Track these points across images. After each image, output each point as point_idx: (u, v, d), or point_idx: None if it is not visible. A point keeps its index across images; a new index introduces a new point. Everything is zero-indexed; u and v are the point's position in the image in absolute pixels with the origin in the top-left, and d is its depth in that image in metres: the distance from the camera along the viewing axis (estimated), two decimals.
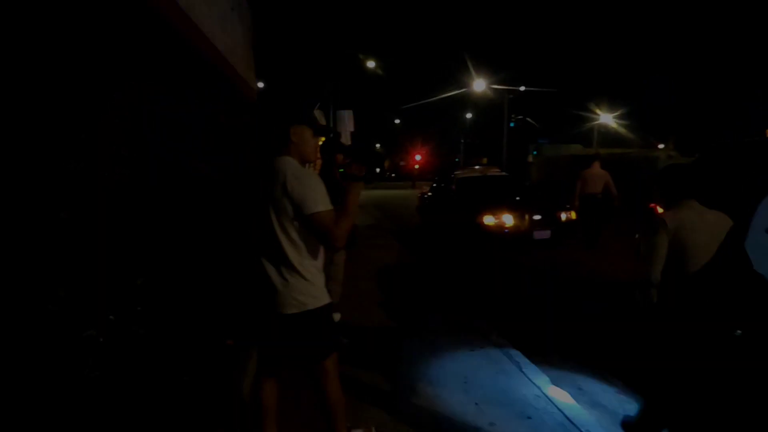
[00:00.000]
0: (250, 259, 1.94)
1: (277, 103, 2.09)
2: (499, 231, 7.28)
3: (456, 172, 9.73)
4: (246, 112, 9.57)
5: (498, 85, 30.26)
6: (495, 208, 7.53)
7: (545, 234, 7.28)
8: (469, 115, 46.86)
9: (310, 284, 1.89)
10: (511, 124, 33.36)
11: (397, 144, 55.61)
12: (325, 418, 2.03)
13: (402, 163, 52.50)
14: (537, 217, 7.45)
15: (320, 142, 2.83)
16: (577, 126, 42.42)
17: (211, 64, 6.01)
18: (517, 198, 8.27)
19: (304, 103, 2.05)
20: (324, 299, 1.94)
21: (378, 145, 70.03)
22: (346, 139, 15.50)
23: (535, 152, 35.70)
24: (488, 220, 7.34)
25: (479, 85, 29.36)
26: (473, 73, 28.73)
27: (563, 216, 7.62)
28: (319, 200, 1.81)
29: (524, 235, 7.27)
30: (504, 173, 9.53)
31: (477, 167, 10.00)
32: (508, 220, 7.27)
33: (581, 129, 41.87)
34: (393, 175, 49.22)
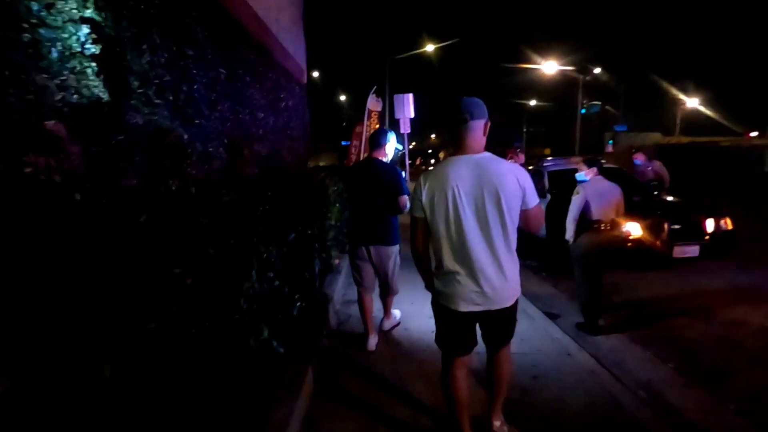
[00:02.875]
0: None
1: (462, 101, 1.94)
2: (620, 246, 5.34)
3: (544, 164, 7.77)
4: (291, 93, 8.25)
5: (568, 67, 27.28)
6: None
7: (692, 251, 5.24)
8: (533, 102, 43.45)
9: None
10: (582, 111, 30.03)
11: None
12: (497, 390, 2.21)
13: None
14: (676, 226, 5.41)
15: None
16: (657, 112, 38.15)
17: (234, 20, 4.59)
18: (643, 199, 6.23)
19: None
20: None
21: (433, 136, 67.72)
22: (404, 126, 13.84)
23: (611, 141, 32.22)
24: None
25: (550, 67, 26.46)
26: (536, 55, 25.96)
27: (712, 225, 5.51)
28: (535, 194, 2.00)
29: (660, 253, 5.28)
30: (612, 165, 7.46)
31: (573, 158, 8.00)
32: (635, 230, 5.31)
33: (661, 115, 37.63)
34: None
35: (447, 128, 2.00)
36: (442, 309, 2.03)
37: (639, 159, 7.59)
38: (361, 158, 14.38)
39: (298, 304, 2.58)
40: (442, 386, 2.13)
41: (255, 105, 5.38)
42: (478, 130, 1.94)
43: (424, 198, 1.95)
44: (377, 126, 15.96)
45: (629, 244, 5.34)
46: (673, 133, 35.79)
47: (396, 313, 3.80)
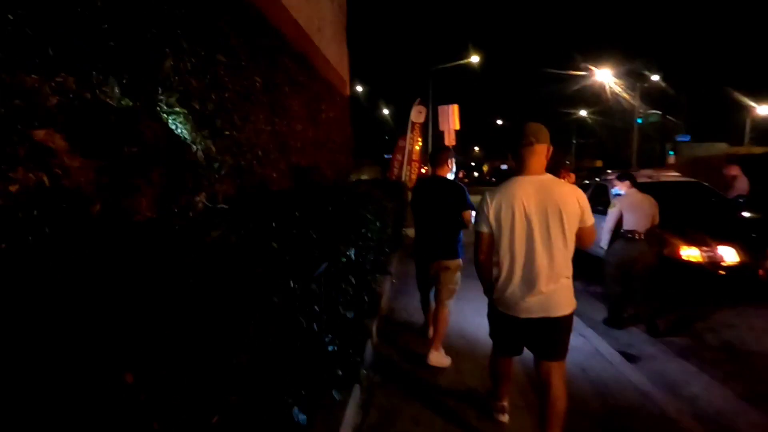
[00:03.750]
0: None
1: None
2: (711, 272, 4.53)
3: (609, 177, 6.97)
4: (332, 104, 7.97)
5: (622, 75, 25.81)
6: (698, 234, 4.77)
7: None
8: (583, 112, 41.56)
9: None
10: (639, 120, 28.26)
11: (497, 146, 51.76)
12: (549, 418, 2.09)
13: (503, 167, 48.48)
14: None
15: None
16: (722, 121, 35.32)
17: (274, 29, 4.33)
18: (733, 218, 5.36)
19: None
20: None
21: (477, 149, 66.44)
22: (449, 138, 13.31)
23: (671, 152, 30.05)
24: (689, 253, 4.62)
25: (604, 75, 25.10)
26: (589, 62, 24.64)
27: None
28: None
29: (760, 282, 4.42)
30: (692, 179, 6.54)
31: (647, 171, 7.12)
32: (729, 255, 4.48)
33: (727, 124, 34.81)
34: (494, 179, 45.51)
35: (513, 150, 2.17)
36: (499, 315, 2.20)
37: (735, 171, 6.60)
38: (404, 172, 13.99)
39: (330, 347, 2.13)
40: (489, 367, 2.44)
41: (293, 116, 5.09)
42: (542, 153, 2.13)
43: (490, 214, 2.13)
44: (420, 139, 15.57)
45: (721, 272, 4.51)
46: (742, 143, 32.83)
47: (446, 358, 3.30)
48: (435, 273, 3.32)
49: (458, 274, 3.35)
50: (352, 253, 2.58)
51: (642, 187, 6.31)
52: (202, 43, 2.95)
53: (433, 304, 3.41)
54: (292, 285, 1.70)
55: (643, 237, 4.09)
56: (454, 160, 3.51)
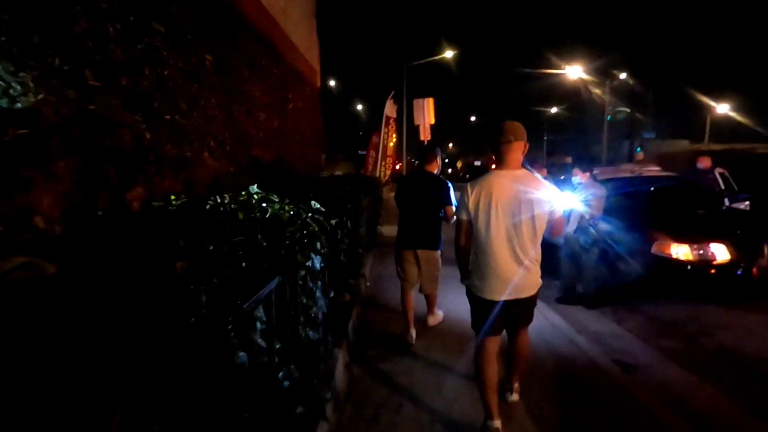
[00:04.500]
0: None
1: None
2: (702, 272, 4.31)
3: (595, 173, 6.74)
4: (301, 94, 7.42)
5: (592, 72, 26.16)
6: (688, 230, 4.55)
7: None
8: (554, 110, 42.19)
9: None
10: (608, 118, 28.78)
11: (471, 142, 52.05)
12: (515, 364, 2.61)
13: (477, 164, 48.69)
14: None
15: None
16: (684, 118, 36.59)
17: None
18: (721, 214, 5.18)
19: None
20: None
21: (450, 145, 66.64)
22: (424, 133, 12.95)
23: (638, 149, 30.80)
24: (679, 251, 4.38)
25: (575, 72, 25.32)
26: (558, 60, 24.84)
27: None
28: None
29: (755, 281, 4.22)
30: (672, 173, 6.38)
31: (628, 165, 6.94)
32: (721, 252, 4.26)
33: (688, 122, 36.11)
34: (467, 176, 45.65)
35: (492, 146, 2.33)
36: (476, 299, 2.36)
37: (702, 163, 6.52)
38: (378, 168, 13.54)
39: (286, 383, 1.68)
40: (474, 362, 2.40)
41: (254, 103, 4.56)
42: (519, 150, 2.29)
43: (470, 203, 2.28)
44: (395, 135, 15.15)
45: (713, 271, 4.29)
46: (702, 140, 34.00)
47: (440, 313, 3.97)
48: (417, 262, 3.57)
49: (439, 262, 3.64)
50: (317, 262, 2.13)
51: (626, 181, 6.13)
52: (131, 5, 2.41)
53: (412, 294, 3.66)
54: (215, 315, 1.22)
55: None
56: (440, 157, 3.71)
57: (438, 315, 3.90)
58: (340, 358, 2.80)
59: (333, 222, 2.72)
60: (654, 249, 4.50)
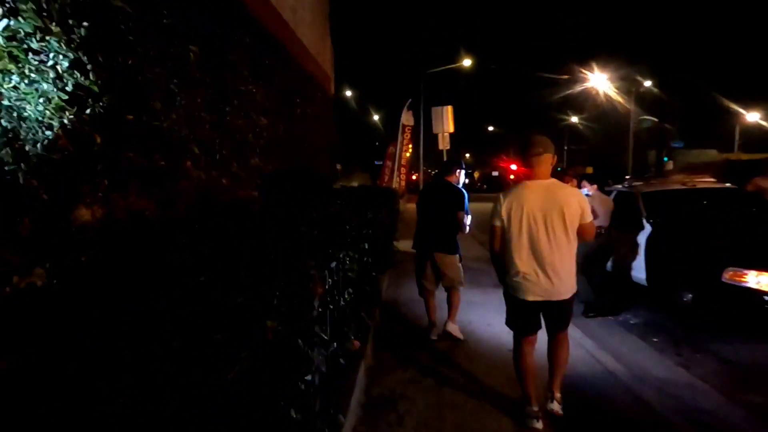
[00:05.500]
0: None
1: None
2: (758, 305, 3.56)
3: (633, 183, 5.98)
4: (312, 100, 6.89)
5: (617, 81, 25.27)
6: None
7: None
8: (574, 119, 41.20)
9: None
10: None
11: (489, 153, 51.18)
12: (555, 370, 2.62)
13: (495, 174, 47.70)
14: None
15: None
16: (712, 127, 35.29)
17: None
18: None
19: None
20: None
21: (467, 155, 65.80)
22: (443, 142, 12.31)
23: (665, 158, 29.60)
24: (761, 280, 3.62)
25: (598, 80, 24.45)
26: (582, 69, 24.01)
27: None
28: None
29: None
30: (731, 185, 5.57)
31: (677, 176, 6.19)
32: None
33: (716, 131, 34.83)
34: (485, 186, 44.61)
35: (524, 158, 2.52)
36: (512, 299, 2.54)
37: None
38: (394, 179, 12.94)
39: None
40: (514, 360, 2.61)
41: (255, 107, 4.01)
42: (548, 162, 2.48)
43: (503, 211, 2.48)
44: (410, 145, 14.56)
45: None
46: (732, 150, 32.52)
47: (461, 336, 3.81)
48: (436, 265, 3.68)
49: (459, 264, 3.72)
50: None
51: (681, 195, 5.38)
52: None
53: (435, 302, 3.81)
54: None
55: (603, 232, 4.60)
56: (463, 172, 3.87)
57: (458, 329, 3.81)
58: None
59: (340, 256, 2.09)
60: (726, 277, 3.76)
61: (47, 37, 1.68)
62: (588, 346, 3.69)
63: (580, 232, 2.44)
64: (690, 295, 4.32)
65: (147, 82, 2.35)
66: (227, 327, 1.01)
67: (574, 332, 3.53)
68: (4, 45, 1.52)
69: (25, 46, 1.61)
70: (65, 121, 1.76)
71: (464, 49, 20.87)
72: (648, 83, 28.70)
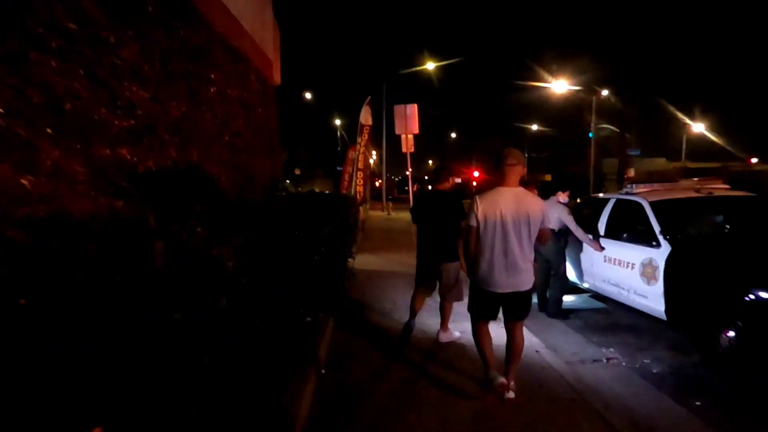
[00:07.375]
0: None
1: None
2: None
3: (637, 189, 4.93)
4: (244, 86, 5.42)
5: (576, 88, 25.19)
6: None
7: None
8: (534, 127, 41.57)
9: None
10: (590, 135, 28.08)
11: (451, 159, 50.89)
12: (512, 358, 2.93)
13: (458, 181, 47.37)
14: None
15: None
16: (661, 137, 36.76)
17: None
18: None
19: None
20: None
21: (430, 162, 65.43)
22: (407, 145, 11.12)
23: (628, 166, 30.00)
24: None
25: (559, 86, 24.22)
26: (542, 76, 23.77)
27: None
28: None
29: None
30: (749, 194, 4.58)
31: (686, 182, 5.22)
32: None
33: (665, 140, 36.39)
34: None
35: (497, 168, 2.86)
36: (479, 290, 2.87)
37: None
38: (353, 185, 11.60)
39: None
40: (474, 338, 3.00)
41: (119, 68, 2.56)
42: (519, 172, 2.83)
43: (479, 213, 2.77)
44: (369, 146, 13.29)
45: None
46: (679, 159, 33.58)
47: (456, 333, 3.97)
48: (438, 273, 3.82)
49: (460, 274, 3.77)
50: None
51: (699, 203, 4.39)
52: None
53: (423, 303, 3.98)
54: None
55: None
56: (453, 176, 4.11)
57: (449, 334, 3.95)
58: None
59: None
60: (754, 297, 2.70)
61: None
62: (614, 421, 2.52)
63: (540, 235, 2.82)
64: (733, 334, 3.27)
65: None
66: None
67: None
68: None
69: None
70: None
71: (429, 54, 19.97)
72: (605, 92, 28.98)
